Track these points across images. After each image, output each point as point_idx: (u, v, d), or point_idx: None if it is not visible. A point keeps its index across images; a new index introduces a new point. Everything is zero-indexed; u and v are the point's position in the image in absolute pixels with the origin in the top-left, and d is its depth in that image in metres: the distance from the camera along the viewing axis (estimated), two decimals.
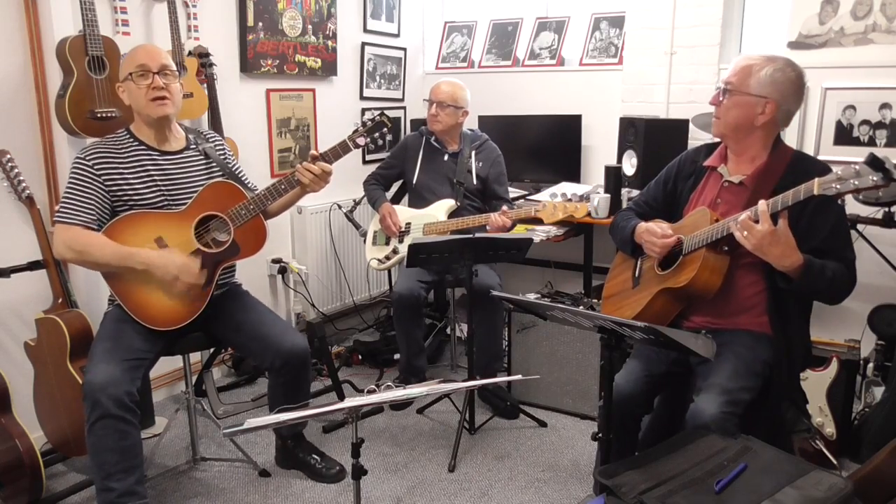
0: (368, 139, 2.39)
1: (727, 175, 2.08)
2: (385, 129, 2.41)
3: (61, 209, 2.17)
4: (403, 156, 3.42)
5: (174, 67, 2.28)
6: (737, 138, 2.05)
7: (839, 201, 1.94)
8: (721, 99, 2.03)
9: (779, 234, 1.77)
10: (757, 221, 1.78)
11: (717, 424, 1.79)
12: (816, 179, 1.70)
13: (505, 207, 3.07)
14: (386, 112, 2.43)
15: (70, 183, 2.20)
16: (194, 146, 2.40)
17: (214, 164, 2.41)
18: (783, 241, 1.77)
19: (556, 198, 3.05)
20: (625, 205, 3.42)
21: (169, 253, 2.21)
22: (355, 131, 2.39)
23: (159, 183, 2.28)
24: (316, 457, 2.60)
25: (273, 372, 2.43)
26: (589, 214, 3.32)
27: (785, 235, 1.77)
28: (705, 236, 1.95)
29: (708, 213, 2.01)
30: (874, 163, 1.60)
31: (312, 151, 2.34)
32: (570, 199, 3.14)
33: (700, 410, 1.84)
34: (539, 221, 3.01)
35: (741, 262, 1.98)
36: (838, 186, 1.66)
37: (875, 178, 1.60)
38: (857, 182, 1.63)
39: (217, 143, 2.49)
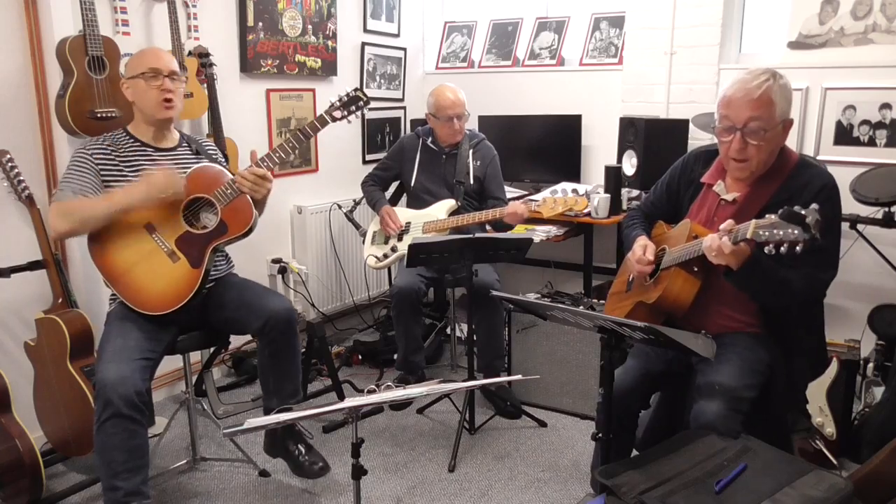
0: (345, 112, 2.40)
1: (723, 193, 2.02)
2: (361, 103, 2.42)
3: (57, 192, 2.23)
4: (400, 157, 3.42)
5: (181, 73, 2.38)
6: (766, 166, 1.95)
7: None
8: (748, 143, 1.86)
9: (738, 252, 1.73)
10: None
11: (721, 423, 1.78)
12: (753, 221, 1.64)
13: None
14: (362, 89, 2.44)
15: (68, 170, 2.26)
16: (186, 144, 2.48)
17: (205, 160, 2.47)
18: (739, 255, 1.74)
19: (556, 194, 3.05)
20: (625, 205, 3.43)
21: (143, 177, 2.22)
22: (332, 105, 2.41)
23: None
24: (301, 448, 2.49)
25: (259, 337, 2.41)
26: (589, 214, 3.33)
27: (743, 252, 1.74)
28: (678, 255, 1.93)
29: (689, 226, 1.98)
30: (792, 217, 1.55)
31: (252, 151, 2.37)
32: (569, 194, 3.13)
33: (703, 410, 1.83)
34: (539, 220, 3.00)
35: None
36: (765, 234, 1.60)
37: (795, 233, 1.55)
38: (780, 234, 1.57)
39: (208, 145, 2.59)
